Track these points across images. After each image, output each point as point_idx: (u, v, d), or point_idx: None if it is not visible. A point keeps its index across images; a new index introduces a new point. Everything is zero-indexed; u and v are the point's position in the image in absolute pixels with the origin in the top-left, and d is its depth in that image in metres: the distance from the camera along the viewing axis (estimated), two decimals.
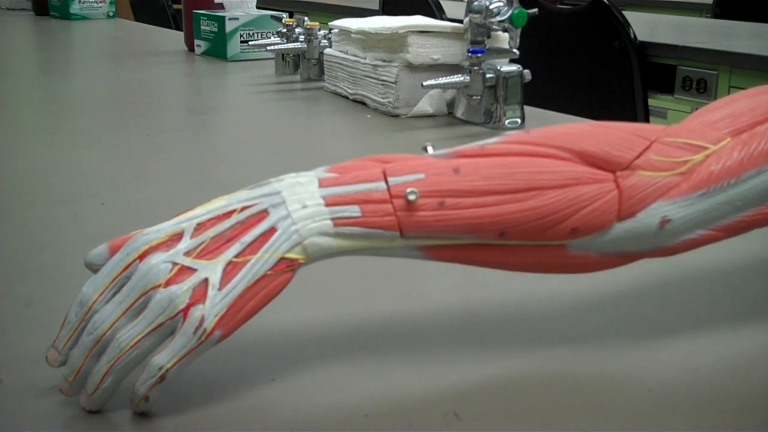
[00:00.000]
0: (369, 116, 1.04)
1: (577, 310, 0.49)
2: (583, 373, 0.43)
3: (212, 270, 0.37)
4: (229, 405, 0.39)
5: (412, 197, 0.39)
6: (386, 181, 0.39)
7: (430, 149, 0.42)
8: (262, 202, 0.39)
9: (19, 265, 0.57)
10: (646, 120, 1.98)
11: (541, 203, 0.40)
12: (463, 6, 1.03)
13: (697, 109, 2.44)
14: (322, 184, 0.40)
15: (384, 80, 1.03)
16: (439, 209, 0.39)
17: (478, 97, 0.97)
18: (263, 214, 0.39)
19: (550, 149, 0.41)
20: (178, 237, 0.38)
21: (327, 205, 0.39)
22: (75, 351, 0.38)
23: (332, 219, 0.39)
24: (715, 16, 3.06)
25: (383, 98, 1.04)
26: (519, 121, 0.97)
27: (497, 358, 0.44)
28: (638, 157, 0.41)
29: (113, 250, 0.40)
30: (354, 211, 0.39)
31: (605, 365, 0.43)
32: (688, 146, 0.42)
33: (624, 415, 0.39)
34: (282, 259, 0.38)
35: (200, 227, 0.39)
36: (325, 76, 1.19)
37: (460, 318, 0.49)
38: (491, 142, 0.42)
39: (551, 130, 0.42)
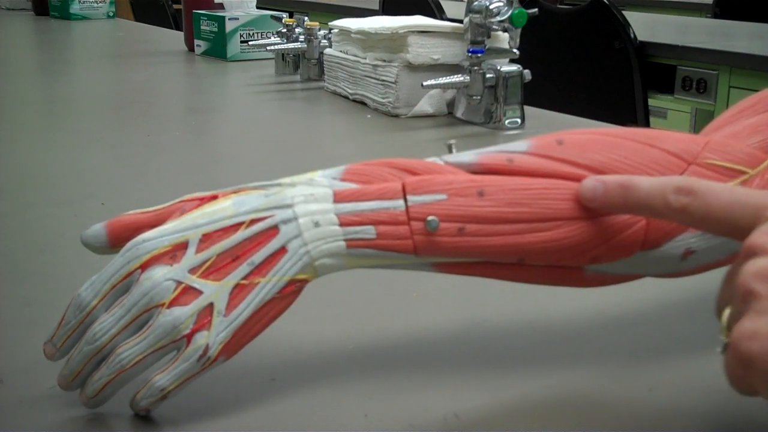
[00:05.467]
0: (369, 116, 1.04)
1: (580, 310, 0.49)
2: (584, 373, 0.42)
3: (218, 294, 0.36)
4: (229, 404, 0.39)
5: (431, 227, 0.37)
6: (405, 200, 0.38)
7: (454, 149, 0.40)
8: (272, 215, 0.37)
9: (19, 265, 0.57)
10: (646, 120, 1.98)
11: (564, 235, 0.38)
12: (463, 6, 1.03)
13: (697, 109, 2.43)
14: (337, 198, 0.38)
15: (384, 80, 1.03)
16: (458, 235, 0.37)
17: (478, 97, 0.97)
18: (273, 231, 0.37)
19: (580, 170, 0.39)
20: (182, 247, 0.37)
21: (341, 224, 0.37)
22: (75, 356, 0.37)
23: (345, 240, 0.37)
24: (715, 16, 3.06)
25: (383, 98, 1.04)
26: (519, 121, 0.97)
27: (497, 358, 0.44)
28: None
29: (112, 233, 0.39)
30: (369, 232, 0.37)
31: (606, 366, 0.43)
32: (726, 170, 0.40)
33: (624, 415, 0.39)
34: (290, 281, 0.37)
35: (206, 239, 0.37)
36: (325, 76, 1.19)
37: (460, 318, 0.49)
38: (520, 150, 0.39)
39: (586, 141, 0.39)
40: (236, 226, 0.37)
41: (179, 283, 0.36)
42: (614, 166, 0.39)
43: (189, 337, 0.36)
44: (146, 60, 1.55)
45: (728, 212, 0.34)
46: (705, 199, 0.34)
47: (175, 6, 2.88)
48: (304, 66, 1.30)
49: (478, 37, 0.95)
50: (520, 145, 0.40)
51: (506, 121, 0.97)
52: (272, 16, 1.51)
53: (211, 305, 0.36)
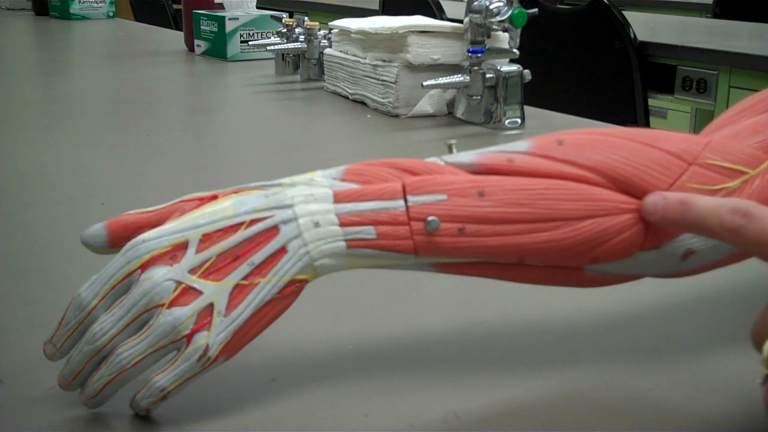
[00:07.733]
0: (369, 116, 1.04)
1: (580, 310, 0.49)
2: (584, 373, 0.42)
3: (218, 294, 0.36)
4: (229, 404, 0.39)
5: (431, 227, 0.37)
6: (405, 200, 0.38)
7: (454, 149, 0.40)
8: (272, 216, 0.37)
9: (19, 265, 0.57)
10: (646, 120, 1.98)
11: (565, 235, 0.38)
12: (463, 6, 1.03)
13: (697, 109, 2.43)
14: (337, 198, 0.38)
15: (384, 80, 1.03)
16: (458, 235, 0.37)
17: (478, 97, 0.97)
18: (273, 231, 0.37)
19: (581, 170, 0.38)
20: (182, 247, 0.37)
21: (341, 224, 0.37)
22: (75, 356, 0.37)
23: (345, 240, 0.37)
24: (715, 16, 3.06)
25: (383, 98, 1.04)
26: (519, 121, 0.97)
27: (497, 358, 0.44)
28: (672, 185, 0.39)
29: (112, 233, 0.39)
30: (369, 232, 0.37)
31: (606, 366, 0.43)
32: (726, 171, 0.40)
33: (624, 415, 0.39)
34: (290, 281, 0.37)
35: (206, 239, 0.37)
36: (325, 76, 1.19)
37: (460, 318, 0.49)
38: (520, 151, 0.39)
39: (586, 141, 0.39)
40: (236, 227, 0.37)
41: (179, 283, 0.36)
42: (614, 167, 0.39)
43: (189, 338, 0.36)
44: (146, 60, 1.55)
45: None
46: (760, 223, 0.34)
47: (175, 6, 2.88)
48: (304, 66, 1.30)
49: (478, 37, 0.95)
50: (521, 145, 0.40)
51: (506, 121, 0.97)
52: (272, 16, 1.51)
53: (211, 305, 0.36)
